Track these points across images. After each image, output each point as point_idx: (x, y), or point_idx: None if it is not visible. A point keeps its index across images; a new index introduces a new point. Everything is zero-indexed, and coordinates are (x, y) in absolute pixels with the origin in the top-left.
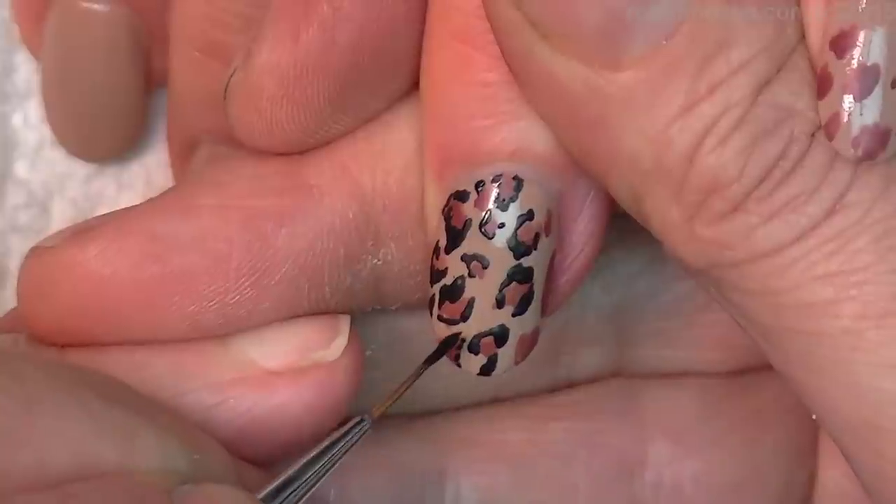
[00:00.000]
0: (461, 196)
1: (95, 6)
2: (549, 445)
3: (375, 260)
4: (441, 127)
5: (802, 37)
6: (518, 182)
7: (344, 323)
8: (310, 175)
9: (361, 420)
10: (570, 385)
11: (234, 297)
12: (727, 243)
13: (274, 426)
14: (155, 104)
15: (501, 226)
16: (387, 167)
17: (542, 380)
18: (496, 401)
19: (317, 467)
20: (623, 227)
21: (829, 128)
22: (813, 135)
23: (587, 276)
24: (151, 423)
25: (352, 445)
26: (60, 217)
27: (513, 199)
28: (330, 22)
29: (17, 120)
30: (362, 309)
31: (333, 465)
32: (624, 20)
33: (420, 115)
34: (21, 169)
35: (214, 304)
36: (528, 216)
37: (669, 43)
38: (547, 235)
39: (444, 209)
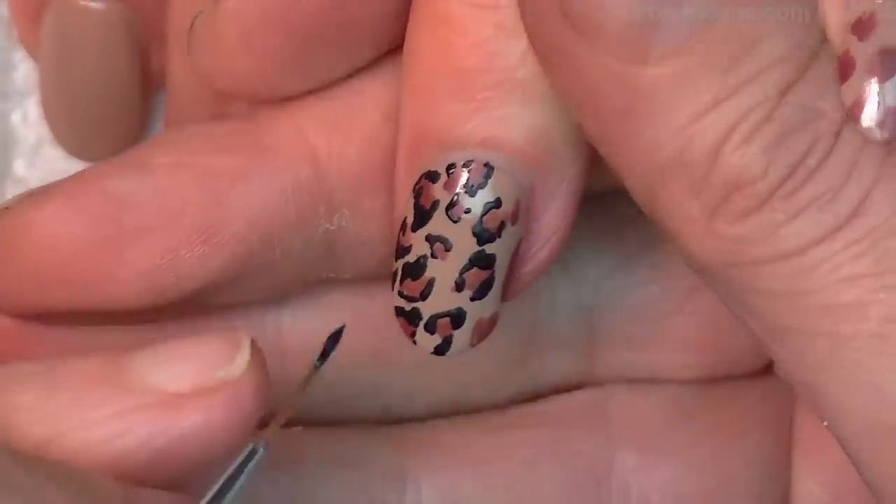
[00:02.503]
0: (432, 176)
1: (92, 4)
2: (514, 451)
3: (328, 225)
4: (418, 106)
5: (826, 39)
6: (489, 169)
7: (244, 338)
8: (266, 136)
9: (253, 449)
10: (539, 389)
11: (186, 254)
12: (750, 241)
13: (184, 449)
14: (153, 103)
15: (468, 211)
16: (348, 135)
17: (511, 383)
18: (463, 409)
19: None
20: (594, 228)
21: (853, 111)
22: (838, 133)
23: (550, 266)
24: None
25: (249, 474)
26: None
27: (481, 186)
28: None
29: (15, 118)
30: (316, 276)
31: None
32: (655, 15)
33: (396, 89)
34: (19, 167)
35: (167, 261)
36: (496, 204)
37: (698, 40)
38: (513, 224)
39: (414, 186)
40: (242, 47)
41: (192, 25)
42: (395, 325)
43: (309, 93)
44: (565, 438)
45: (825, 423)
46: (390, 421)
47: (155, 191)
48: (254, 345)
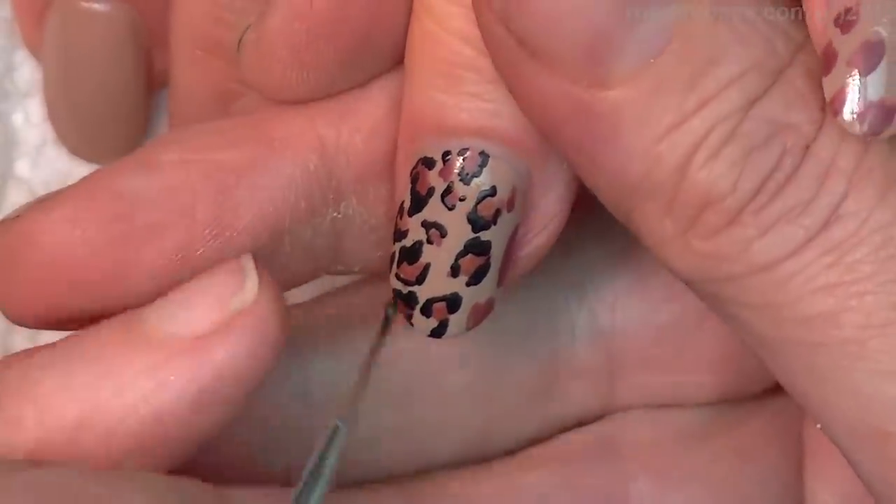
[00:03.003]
0: (428, 163)
1: (95, 6)
2: (526, 492)
3: (335, 213)
4: (416, 94)
5: (797, 52)
6: (484, 158)
7: (246, 261)
8: (274, 128)
9: (336, 427)
10: (564, 419)
11: (199, 250)
12: (724, 256)
13: (220, 389)
14: (157, 103)
15: (462, 199)
16: (355, 124)
17: (537, 415)
18: (490, 446)
19: (316, 486)
20: (607, 250)
21: (833, 104)
22: (807, 147)
23: (546, 253)
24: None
25: (338, 452)
26: None
27: (476, 175)
28: None
29: (18, 119)
30: (325, 268)
31: (327, 479)
32: (611, 39)
33: (401, 80)
34: (22, 168)
35: (180, 256)
36: (491, 192)
37: (657, 61)
38: (509, 211)
39: (412, 171)
40: (293, 62)
41: (240, 40)
42: (421, 365)
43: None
44: (579, 472)
45: (818, 426)
46: (416, 468)
47: (164, 188)
48: (258, 264)
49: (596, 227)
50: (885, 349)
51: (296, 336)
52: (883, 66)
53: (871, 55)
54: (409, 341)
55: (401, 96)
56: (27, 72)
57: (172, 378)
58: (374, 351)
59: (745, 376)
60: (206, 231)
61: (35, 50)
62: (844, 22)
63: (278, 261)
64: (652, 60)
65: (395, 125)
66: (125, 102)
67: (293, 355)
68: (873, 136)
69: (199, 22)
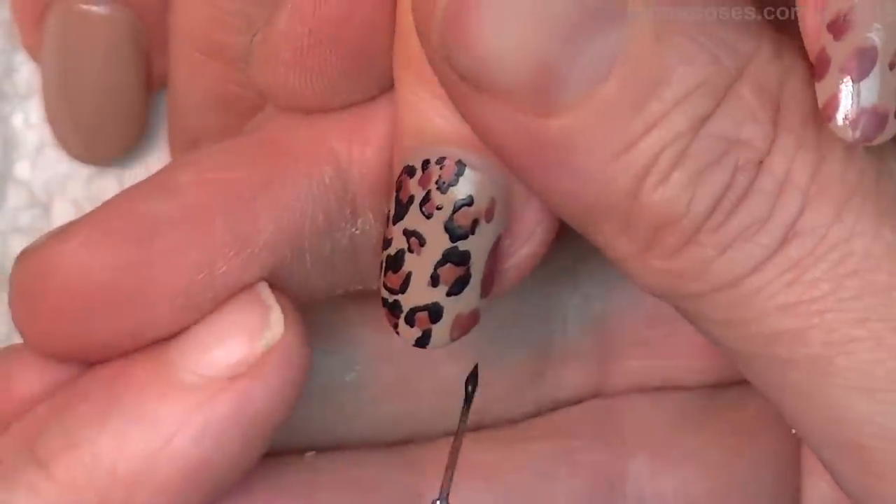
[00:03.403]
0: (410, 171)
1: (94, 8)
2: (527, 463)
3: (353, 229)
4: (399, 101)
5: (746, 66)
6: (461, 167)
7: (264, 292)
8: (286, 144)
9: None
10: (556, 403)
11: (221, 268)
12: (685, 275)
13: (260, 425)
14: (155, 106)
15: (439, 207)
16: (365, 137)
17: (528, 400)
18: (480, 425)
19: None
20: None
21: (826, 110)
22: (760, 163)
23: (535, 264)
24: None
25: None
26: (61, 218)
27: (452, 184)
28: None
29: (17, 120)
30: (344, 286)
31: None
32: (553, 68)
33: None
34: (22, 170)
35: (203, 276)
36: (468, 202)
37: (602, 87)
38: (488, 221)
39: (397, 179)
40: (296, 65)
41: (251, 43)
42: (415, 357)
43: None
44: (579, 448)
45: (794, 431)
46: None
47: (183, 209)
48: (279, 296)
49: None
50: (851, 366)
51: None
52: (876, 72)
53: (865, 61)
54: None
55: None
56: (27, 74)
57: (216, 421)
58: (461, 428)
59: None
60: (227, 249)
61: (34, 52)
62: (837, 28)
63: (298, 277)
64: (597, 87)
65: None
66: (124, 104)
67: None
68: (866, 142)
69: (198, 25)
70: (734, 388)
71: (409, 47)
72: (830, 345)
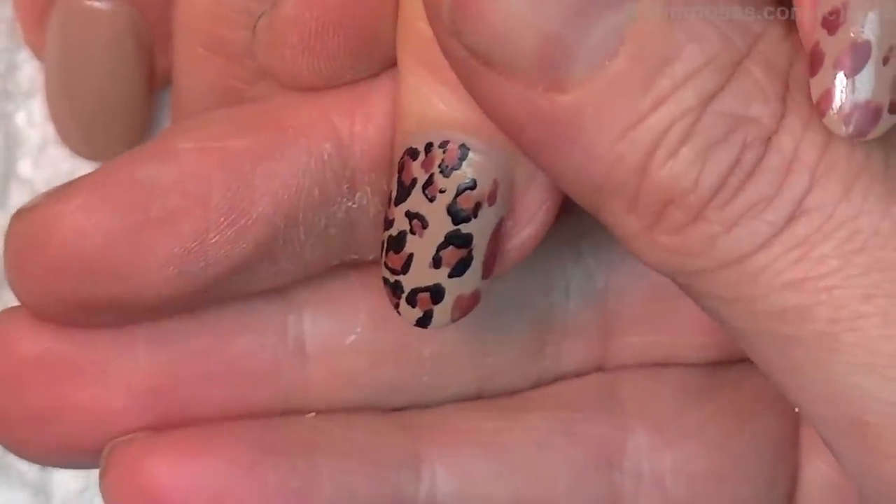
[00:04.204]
0: (412, 153)
1: (98, 4)
2: (526, 434)
3: (350, 203)
4: (401, 85)
5: (755, 43)
6: (464, 151)
7: None
8: (287, 117)
9: None
10: (557, 377)
11: (214, 237)
12: (691, 252)
13: None
14: (159, 102)
15: (443, 191)
16: (367, 114)
17: (529, 372)
18: (480, 397)
19: None
20: None
21: (820, 105)
22: (768, 140)
23: (536, 245)
24: None
25: None
26: None
27: (455, 168)
28: None
29: (20, 118)
30: (339, 257)
31: None
32: (563, 44)
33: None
34: (25, 167)
35: (196, 244)
36: (471, 185)
37: (611, 63)
38: (490, 205)
39: (399, 161)
40: (303, 50)
41: (254, 27)
42: None
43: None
44: (578, 420)
45: (796, 409)
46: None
47: (180, 176)
48: None
49: None
50: (858, 342)
51: (290, 288)
52: (870, 67)
53: (858, 56)
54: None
55: None
56: (30, 72)
57: None
58: None
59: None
60: (222, 218)
61: (37, 50)
62: (832, 23)
63: (292, 249)
64: (606, 63)
65: None
66: (127, 101)
67: (289, 307)
68: (859, 137)
69: (201, 20)
70: (735, 366)
71: (412, 32)
72: (837, 321)
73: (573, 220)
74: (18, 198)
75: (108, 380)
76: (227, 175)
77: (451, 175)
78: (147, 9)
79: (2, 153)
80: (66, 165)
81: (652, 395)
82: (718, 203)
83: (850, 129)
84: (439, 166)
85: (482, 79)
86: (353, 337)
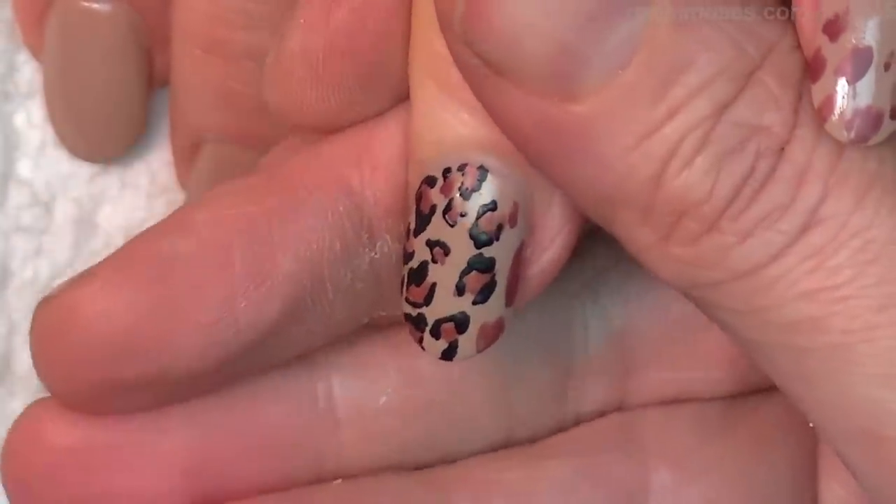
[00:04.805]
0: (430, 181)
1: (96, 5)
2: (548, 480)
3: (372, 253)
4: (416, 112)
5: (768, 53)
6: (482, 172)
7: None
8: (296, 177)
9: None
10: (580, 420)
11: (242, 303)
12: (705, 263)
13: None
14: (157, 103)
15: (463, 214)
16: (373, 161)
17: (553, 416)
18: (506, 445)
19: None
20: (617, 254)
21: (822, 111)
22: (781, 150)
23: (558, 270)
24: None
25: None
26: (63, 217)
27: (475, 189)
28: (360, 6)
29: (19, 120)
30: (367, 314)
31: None
32: (575, 53)
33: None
34: (24, 168)
35: (225, 312)
36: (491, 206)
37: (624, 73)
38: (512, 227)
39: (416, 192)
40: (312, 80)
41: (263, 67)
42: (443, 378)
43: (333, 129)
44: (601, 463)
45: (811, 424)
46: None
47: (200, 246)
48: None
49: (604, 234)
50: (873, 353)
51: (318, 354)
52: (871, 73)
53: (860, 62)
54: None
55: None
56: (29, 73)
57: None
58: None
59: (755, 373)
60: (247, 283)
61: (36, 51)
62: (833, 29)
63: (321, 308)
64: (619, 72)
65: None
66: (125, 102)
67: (318, 373)
68: (861, 142)
69: (198, 22)
70: (749, 397)
71: (429, 53)
72: (851, 332)
73: (588, 265)
74: (17, 198)
75: (143, 465)
76: (246, 239)
77: (472, 197)
78: (145, 10)
79: (1, 154)
80: (64, 166)
81: (671, 431)
82: (733, 213)
83: (852, 134)
84: (459, 189)
85: (494, 88)
86: (383, 398)
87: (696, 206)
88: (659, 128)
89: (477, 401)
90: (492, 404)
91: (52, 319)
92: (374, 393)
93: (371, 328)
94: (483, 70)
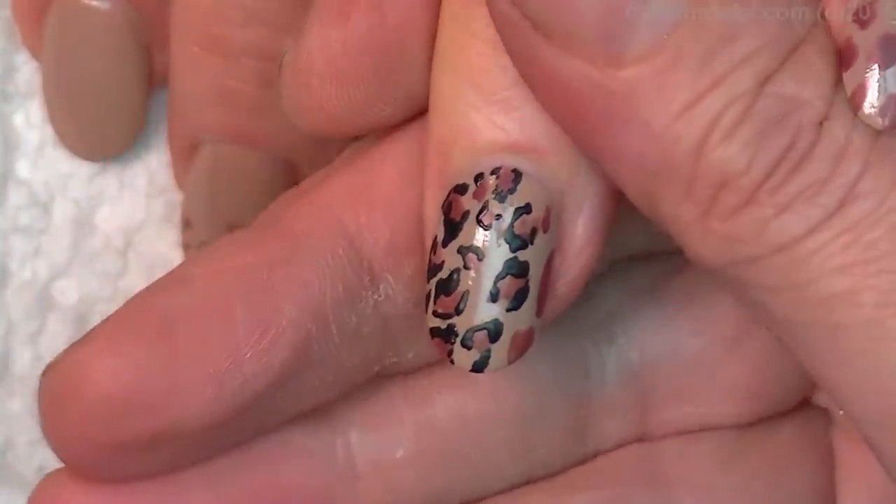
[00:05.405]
0: (461, 189)
1: (95, 4)
2: None
3: (376, 296)
4: (441, 120)
5: (812, 28)
6: (517, 174)
7: None
8: (292, 223)
9: None
10: (597, 455)
11: (247, 352)
12: (743, 237)
13: None
14: (156, 101)
15: (498, 217)
16: (370, 202)
17: (574, 457)
18: (526, 483)
19: None
20: (633, 289)
21: (854, 99)
22: (821, 123)
23: (584, 282)
24: None
25: None
26: (62, 217)
27: (511, 191)
28: (379, 0)
29: (18, 120)
30: (378, 361)
31: None
32: (625, 16)
33: (410, 147)
34: (23, 169)
35: (231, 363)
36: (526, 209)
37: (671, 38)
38: (545, 231)
39: (443, 205)
40: (330, 75)
41: (279, 66)
42: (460, 426)
43: (326, 174)
44: (624, 495)
45: (841, 412)
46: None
47: (201, 299)
48: None
49: (620, 269)
50: None
51: (334, 409)
52: None
53: (890, 49)
54: (448, 403)
55: (410, 163)
56: (28, 73)
57: None
58: None
59: (775, 400)
60: (251, 333)
61: (35, 51)
62: (863, 17)
63: (328, 354)
64: (665, 37)
65: (410, 193)
66: (124, 100)
67: (335, 429)
68: (895, 129)
69: (196, 19)
70: (765, 423)
71: (456, 56)
72: (884, 306)
73: (603, 304)
74: (16, 199)
75: None
76: (247, 288)
77: (507, 199)
78: (144, 8)
79: (0, 154)
80: (64, 166)
81: (692, 461)
82: (771, 186)
83: (886, 121)
84: (494, 192)
85: (540, 55)
86: (401, 451)
87: (736, 178)
88: (702, 97)
89: (495, 446)
90: (510, 449)
91: (57, 384)
92: (392, 446)
93: (384, 378)
94: (531, 35)
